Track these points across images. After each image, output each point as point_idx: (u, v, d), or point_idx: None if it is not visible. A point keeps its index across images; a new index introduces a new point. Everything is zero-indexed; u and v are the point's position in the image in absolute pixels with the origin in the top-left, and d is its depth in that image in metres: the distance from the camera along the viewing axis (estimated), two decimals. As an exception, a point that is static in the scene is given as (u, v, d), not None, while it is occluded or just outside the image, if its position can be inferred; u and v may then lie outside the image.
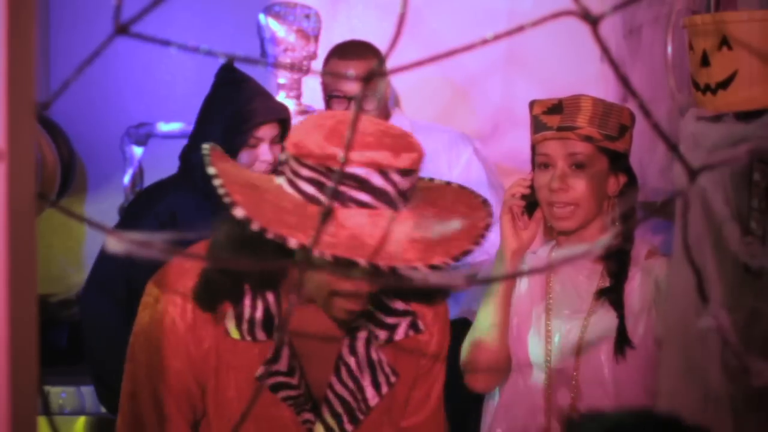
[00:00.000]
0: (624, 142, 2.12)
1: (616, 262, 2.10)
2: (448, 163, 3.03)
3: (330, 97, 2.99)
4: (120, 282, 2.77)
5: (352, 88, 2.98)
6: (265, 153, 2.71)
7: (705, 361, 1.66)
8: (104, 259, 2.83)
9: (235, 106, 2.74)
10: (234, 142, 2.71)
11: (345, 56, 3.01)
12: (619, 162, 2.12)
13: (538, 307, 2.16)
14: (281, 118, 2.77)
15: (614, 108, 2.12)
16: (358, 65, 2.98)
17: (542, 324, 2.13)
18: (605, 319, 2.07)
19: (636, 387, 2.06)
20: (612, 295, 2.08)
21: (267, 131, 2.72)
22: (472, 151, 3.09)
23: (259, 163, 2.72)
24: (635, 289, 2.08)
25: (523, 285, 2.19)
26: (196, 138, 2.81)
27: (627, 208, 2.11)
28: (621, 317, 2.06)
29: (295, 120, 3.50)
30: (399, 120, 3.03)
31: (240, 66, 2.88)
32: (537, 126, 2.16)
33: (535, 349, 2.13)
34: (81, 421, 3.14)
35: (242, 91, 2.77)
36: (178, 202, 2.77)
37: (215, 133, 2.71)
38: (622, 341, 2.05)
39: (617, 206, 2.12)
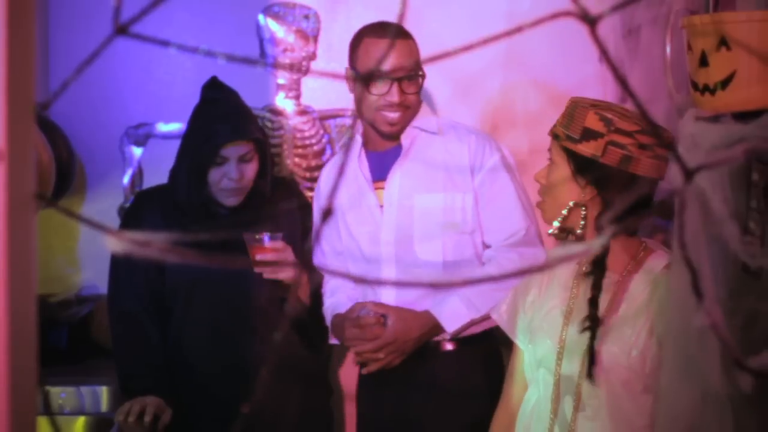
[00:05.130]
0: (589, 147, 2.04)
1: (592, 273, 2.07)
2: (471, 165, 2.75)
3: (368, 78, 2.53)
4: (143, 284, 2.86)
5: (398, 67, 2.62)
6: (231, 171, 2.78)
7: (705, 360, 1.65)
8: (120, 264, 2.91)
9: (204, 126, 2.83)
10: (202, 160, 2.81)
11: (383, 35, 2.67)
12: (585, 168, 2.07)
13: (556, 312, 2.15)
14: (254, 137, 2.82)
15: (578, 110, 2.07)
16: (402, 45, 2.66)
17: (558, 330, 2.12)
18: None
19: (628, 401, 2.04)
20: (590, 306, 2.05)
21: (233, 150, 2.80)
22: (499, 159, 2.76)
23: (226, 181, 2.78)
24: (640, 301, 2.05)
25: (551, 291, 2.20)
26: (178, 155, 2.91)
27: (601, 219, 2.06)
28: (593, 329, 2.02)
29: (294, 121, 3.51)
30: (426, 119, 2.80)
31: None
32: None
33: (548, 354, 2.12)
34: (81, 421, 3.14)
35: (213, 110, 2.84)
36: (155, 215, 2.87)
37: (189, 151, 2.82)
38: (589, 359, 2.01)
39: (591, 218, 2.08)
